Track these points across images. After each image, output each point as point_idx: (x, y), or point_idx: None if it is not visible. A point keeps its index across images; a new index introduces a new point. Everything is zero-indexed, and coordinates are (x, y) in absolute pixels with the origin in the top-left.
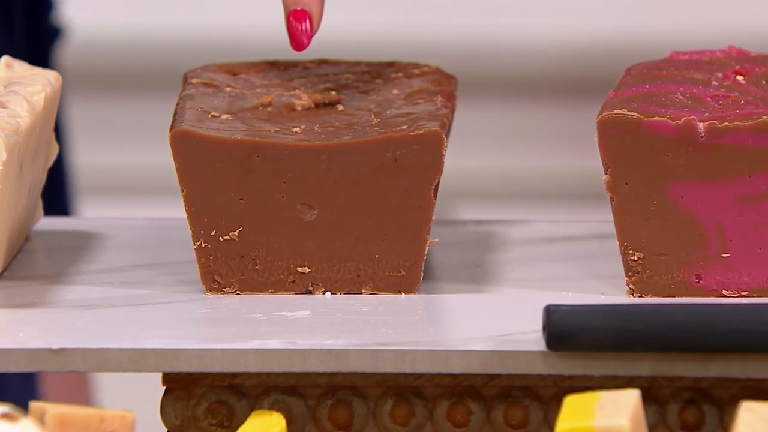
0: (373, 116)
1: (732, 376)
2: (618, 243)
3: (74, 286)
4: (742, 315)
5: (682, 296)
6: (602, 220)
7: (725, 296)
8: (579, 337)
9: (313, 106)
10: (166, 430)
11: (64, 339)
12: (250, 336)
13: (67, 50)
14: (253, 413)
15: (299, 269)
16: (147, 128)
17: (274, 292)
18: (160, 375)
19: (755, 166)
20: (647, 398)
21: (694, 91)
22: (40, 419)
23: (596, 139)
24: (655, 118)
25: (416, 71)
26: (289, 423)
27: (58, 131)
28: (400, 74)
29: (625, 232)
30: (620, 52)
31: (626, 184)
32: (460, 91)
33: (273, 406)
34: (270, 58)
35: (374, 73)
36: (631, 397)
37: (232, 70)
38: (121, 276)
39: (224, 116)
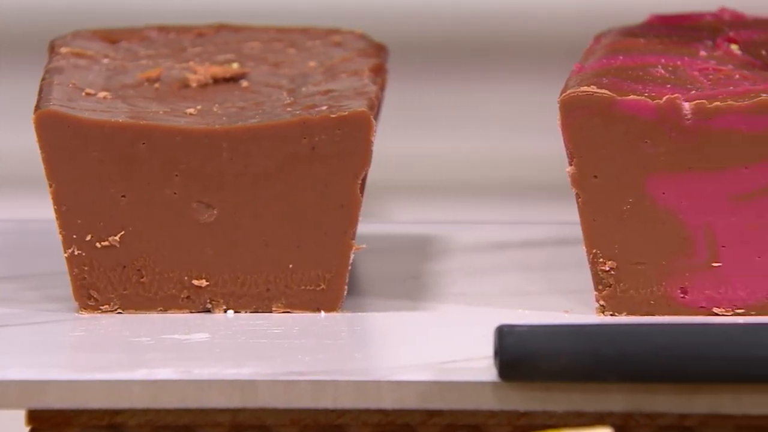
0: (285, 94)
1: (724, 412)
2: (586, 250)
3: None
4: (736, 337)
5: (663, 314)
6: (566, 221)
7: (716, 314)
8: (538, 364)
9: (211, 81)
10: None
11: None
12: (134, 364)
13: None
14: None
15: (195, 282)
16: (4, 108)
17: (165, 310)
18: (23, 413)
19: (752, 156)
20: None
21: (679, 63)
22: None
23: (559, 122)
24: (631, 96)
25: (337, 38)
26: None
27: None
28: (318, 42)
29: (595, 237)
30: (588, 14)
31: (595, 177)
32: (391, 62)
33: None
34: (157, 22)
35: (286, 41)
36: None
37: (110, 36)
38: None
39: (101, 94)
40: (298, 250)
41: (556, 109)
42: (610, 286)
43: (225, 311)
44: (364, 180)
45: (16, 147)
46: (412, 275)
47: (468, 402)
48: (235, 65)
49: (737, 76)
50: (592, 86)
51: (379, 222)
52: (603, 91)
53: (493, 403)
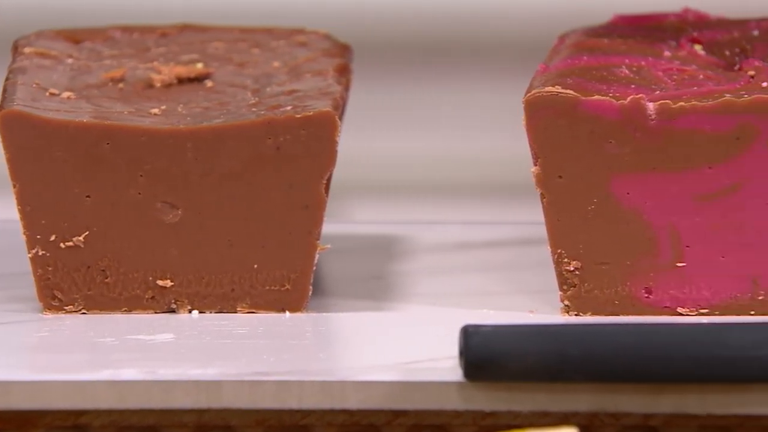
0: (249, 94)
1: (688, 412)
2: (550, 250)
3: None
4: (701, 337)
5: (628, 314)
6: (531, 221)
7: (680, 314)
8: (503, 364)
9: (175, 81)
10: None
11: None
12: (99, 365)
13: None
14: None
15: (160, 282)
16: None
17: (129, 310)
18: None
19: (716, 156)
20: None
21: (643, 63)
22: None
23: (523, 122)
24: (595, 96)
25: (301, 38)
26: None
27: None
28: (282, 42)
29: (559, 237)
30: (552, 14)
31: (560, 177)
32: (355, 62)
33: None
34: (120, 22)
35: (250, 42)
36: None
37: (74, 36)
38: None
39: (65, 94)
40: (262, 251)
41: (521, 109)
42: (574, 286)
43: (190, 311)
44: (329, 181)
45: None
46: (377, 275)
47: (433, 402)
48: (199, 65)
49: (701, 76)
50: (556, 86)
51: (343, 222)
52: (567, 91)
53: (458, 403)
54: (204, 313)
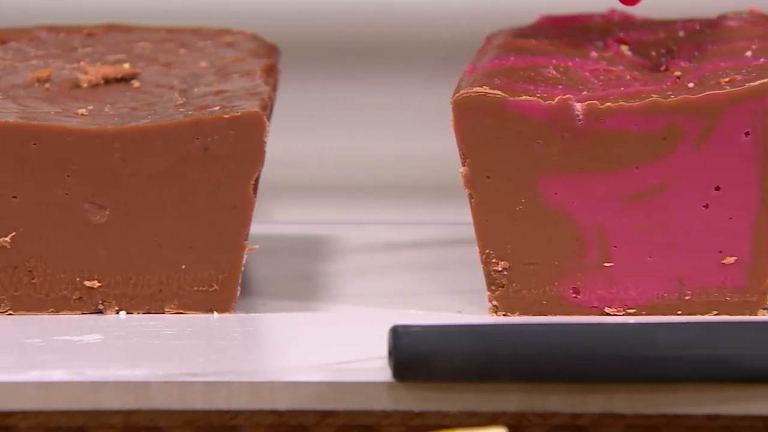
0: (177, 95)
1: (616, 411)
2: (478, 250)
3: None
4: (628, 337)
5: (555, 314)
6: (459, 221)
7: (608, 314)
8: (431, 364)
9: (102, 81)
10: None
11: None
12: (26, 365)
13: None
14: None
15: (87, 283)
16: None
17: (56, 311)
18: None
19: (643, 156)
20: None
21: (570, 64)
22: None
23: (451, 122)
24: (523, 97)
25: (228, 39)
26: None
27: None
28: (209, 43)
29: (487, 237)
30: (479, 14)
31: (488, 177)
32: (283, 62)
33: None
34: (46, 22)
35: (177, 42)
36: None
37: None
38: None
39: None
40: (190, 251)
41: (449, 109)
42: (502, 287)
43: (117, 312)
44: (257, 181)
45: None
46: (305, 276)
47: (362, 402)
48: (126, 65)
49: (628, 76)
50: (484, 87)
51: (270, 223)
52: (495, 91)
53: (387, 403)
54: (132, 313)
